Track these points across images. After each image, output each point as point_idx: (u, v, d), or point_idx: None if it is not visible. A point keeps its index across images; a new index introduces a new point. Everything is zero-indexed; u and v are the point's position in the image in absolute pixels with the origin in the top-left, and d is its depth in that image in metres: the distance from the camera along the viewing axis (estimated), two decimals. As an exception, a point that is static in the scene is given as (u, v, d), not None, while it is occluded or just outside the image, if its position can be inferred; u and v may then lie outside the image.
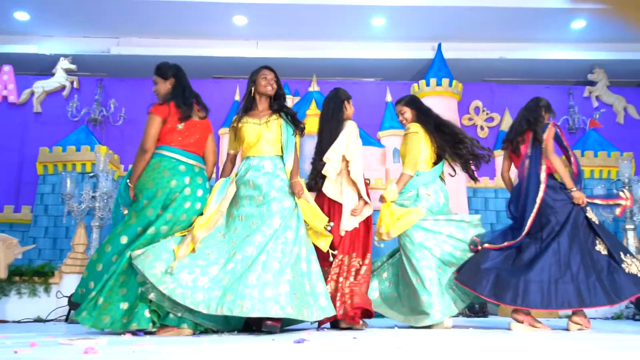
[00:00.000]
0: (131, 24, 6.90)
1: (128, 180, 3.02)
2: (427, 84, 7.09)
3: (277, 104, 3.27)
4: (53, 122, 7.12)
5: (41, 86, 7.10)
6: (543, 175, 3.42)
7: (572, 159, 3.61)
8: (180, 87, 3.17)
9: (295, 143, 3.28)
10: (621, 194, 3.44)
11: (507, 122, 7.48)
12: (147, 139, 2.99)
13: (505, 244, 3.40)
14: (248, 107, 3.28)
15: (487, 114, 7.70)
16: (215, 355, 1.84)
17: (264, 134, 3.16)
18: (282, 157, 3.18)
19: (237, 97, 7.31)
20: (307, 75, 7.41)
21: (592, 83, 7.71)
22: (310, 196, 3.22)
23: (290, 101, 7.24)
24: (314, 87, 7.37)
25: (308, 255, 2.98)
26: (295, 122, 3.26)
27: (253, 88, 3.26)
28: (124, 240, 2.86)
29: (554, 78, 8.01)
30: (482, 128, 7.60)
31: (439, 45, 7.35)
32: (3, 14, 6.65)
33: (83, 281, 2.94)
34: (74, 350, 1.86)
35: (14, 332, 3.19)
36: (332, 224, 3.17)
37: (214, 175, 3.36)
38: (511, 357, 1.78)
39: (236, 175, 3.16)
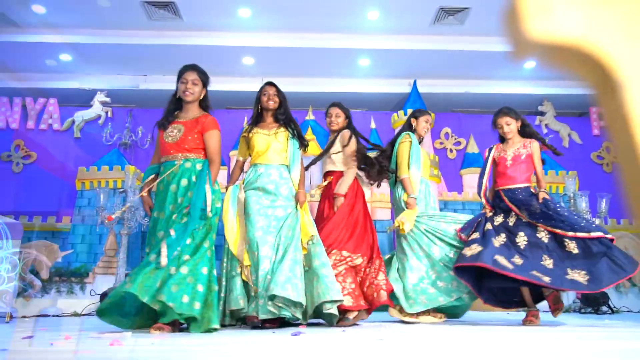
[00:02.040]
0: (156, 64, 6.89)
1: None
2: (405, 114, 7.04)
3: (282, 117, 3.05)
4: (90, 145, 7.03)
5: (81, 116, 7.02)
6: None
7: None
8: (209, 102, 2.85)
9: (301, 156, 3.15)
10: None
11: (472, 146, 7.47)
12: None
13: None
14: (258, 120, 3.13)
15: (455, 139, 7.66)
16: (224, 345, 1.80)
17: (273, 144, 2.98)
18: (287, 166, 3.05)
19: (245, 125, 7.29)
20: (304, 106, 7.39)
21: (542, 113, 7.68)
22: (308, 208, 3.08)
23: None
24: (310, 116, 7.36)
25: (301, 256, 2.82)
26: (301, 138, 3.09)
27: (259, 104, 3.13)
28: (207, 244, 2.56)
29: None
30: (451, 151, 7.56)
31: (415, 82, 7.31)
32: (51, 56, 6.63)
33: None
34: (102, 343, 1.81)
35: (53, 325, 3.13)
36: (314, 240, 2.83)
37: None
38: (491, 348, 1.75)
39: (243, 182, 2.99)
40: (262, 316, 2.50)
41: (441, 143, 7.60)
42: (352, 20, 6.32)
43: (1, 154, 6.84)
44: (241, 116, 7.40)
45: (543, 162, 3.37)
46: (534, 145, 3.31)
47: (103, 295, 4.29)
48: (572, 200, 5.50)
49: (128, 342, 1.84)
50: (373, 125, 7.37)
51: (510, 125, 3.35)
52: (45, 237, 5.76)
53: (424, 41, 6.64)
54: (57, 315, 4.52)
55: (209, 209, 2.52)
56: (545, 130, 7.55)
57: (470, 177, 7.23)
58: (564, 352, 1.60)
